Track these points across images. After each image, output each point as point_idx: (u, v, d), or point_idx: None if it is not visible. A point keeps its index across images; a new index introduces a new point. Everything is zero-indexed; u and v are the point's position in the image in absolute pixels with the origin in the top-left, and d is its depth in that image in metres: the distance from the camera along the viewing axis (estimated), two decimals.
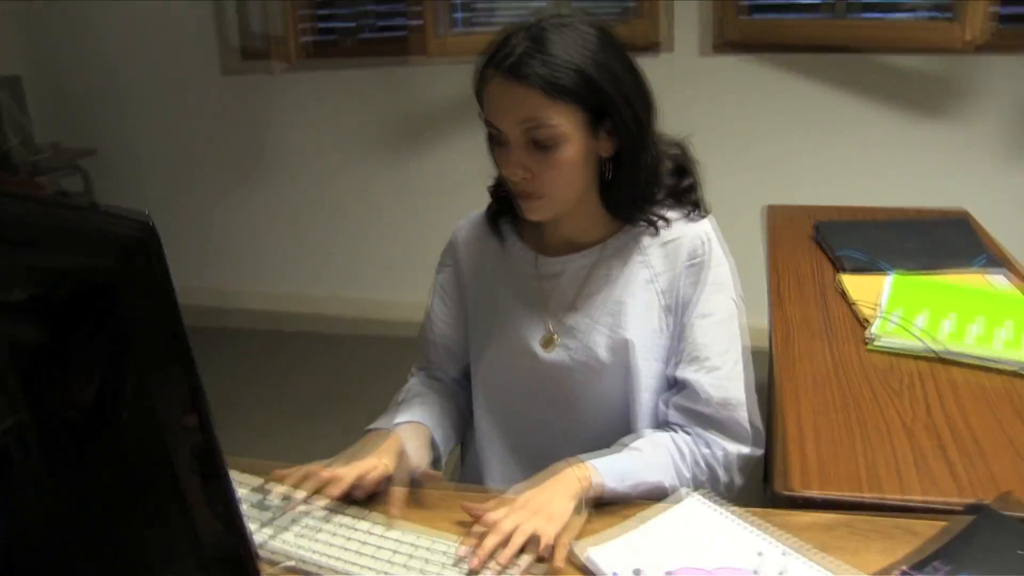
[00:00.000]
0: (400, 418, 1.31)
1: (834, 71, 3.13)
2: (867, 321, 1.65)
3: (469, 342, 1.43)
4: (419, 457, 1.25)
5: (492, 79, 1.19)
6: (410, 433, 1.28)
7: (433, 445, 1.31)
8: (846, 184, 3.13)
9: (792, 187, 3.11)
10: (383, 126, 3.82)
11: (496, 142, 1.23)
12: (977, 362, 1.49)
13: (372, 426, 1.33)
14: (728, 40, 3.26)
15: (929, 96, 3.06)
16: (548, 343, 1.33)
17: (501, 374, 1.38)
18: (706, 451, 1.26)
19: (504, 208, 1.38)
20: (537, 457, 1.27)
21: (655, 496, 1.19)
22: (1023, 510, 1.07)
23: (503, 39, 1.19)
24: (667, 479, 1.21)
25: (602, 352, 1.29)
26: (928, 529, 1.07)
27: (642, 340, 1.29)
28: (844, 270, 1.91)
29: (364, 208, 3.95)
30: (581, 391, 1.32)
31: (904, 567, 0.96)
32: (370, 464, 1.18)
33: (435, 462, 1.31)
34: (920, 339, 1.54)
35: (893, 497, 1.16)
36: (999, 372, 1.47)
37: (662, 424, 1.31)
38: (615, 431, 1.30)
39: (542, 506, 1.10)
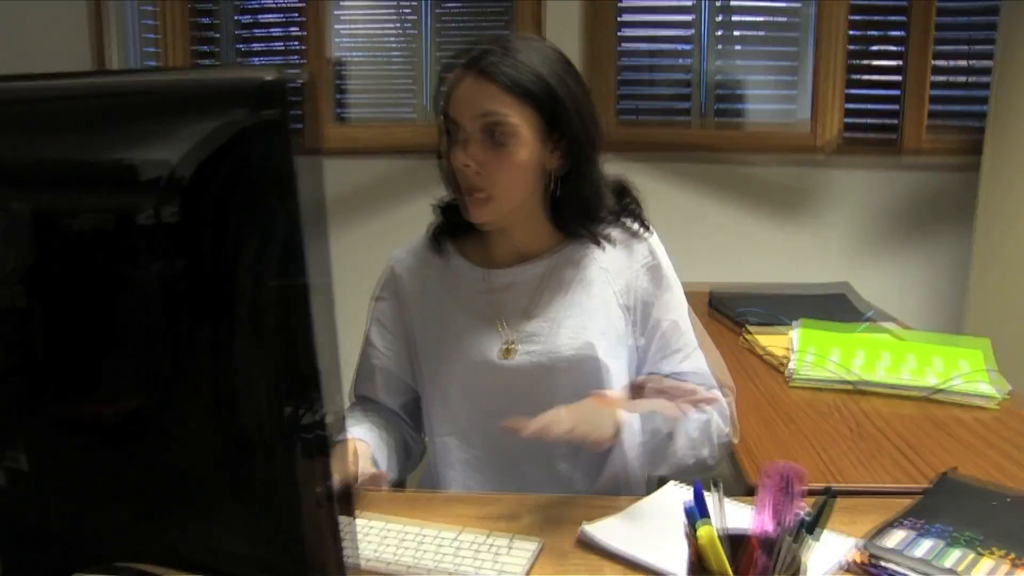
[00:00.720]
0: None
1: (694, 172, 3.32)
2: (783, 363, 1.78)
3: (421, 367, 1.41)
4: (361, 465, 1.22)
5: (459, 77, 1.25)
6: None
7: (375, 463, 1.27)
8: (708, 275, 3.32)
9: None
10: None
11: (453, 139, 1.26)
12: (889, 391, 1.67)
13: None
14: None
15: (784, 197, 3.33)
16: (507, 352, 1.33)
17: (461, 391, 1.36)
18: (704, 416, 1.31)
19: (447, 226, 1.41)
20: (506, 468, 1.29)
21: (664, 452, 1.26)
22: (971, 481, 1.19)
23: (473, 47, 1.27)
24: (678, 429, 1.27)
25: (567, 353, 1.31)
26: (899, 504, 1.16)
27: (605, 339, 1.33)
28: (749, 324, 2.05)
29: None
30: (547, 394, 1.32)
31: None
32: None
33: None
34: (837, 372, 1.69)
35: (859, 484, 1.29)
36: (906, 398, 1.66)
37: None
38: None
39: (590, 414, 1.16)
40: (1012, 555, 0.97)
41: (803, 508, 0.79)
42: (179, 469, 0.73)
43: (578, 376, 1.32)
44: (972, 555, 0.98)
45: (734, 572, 0.79)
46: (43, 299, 0.73)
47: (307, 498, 0.68)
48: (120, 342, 0.72)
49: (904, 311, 2.93)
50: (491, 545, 1.05)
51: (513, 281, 1.36)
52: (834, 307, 2.20)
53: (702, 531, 0.77)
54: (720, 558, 0.77)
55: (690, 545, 0.79)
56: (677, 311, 1.37)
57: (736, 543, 0.81)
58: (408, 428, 1.44)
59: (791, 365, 1.76)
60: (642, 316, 1.36)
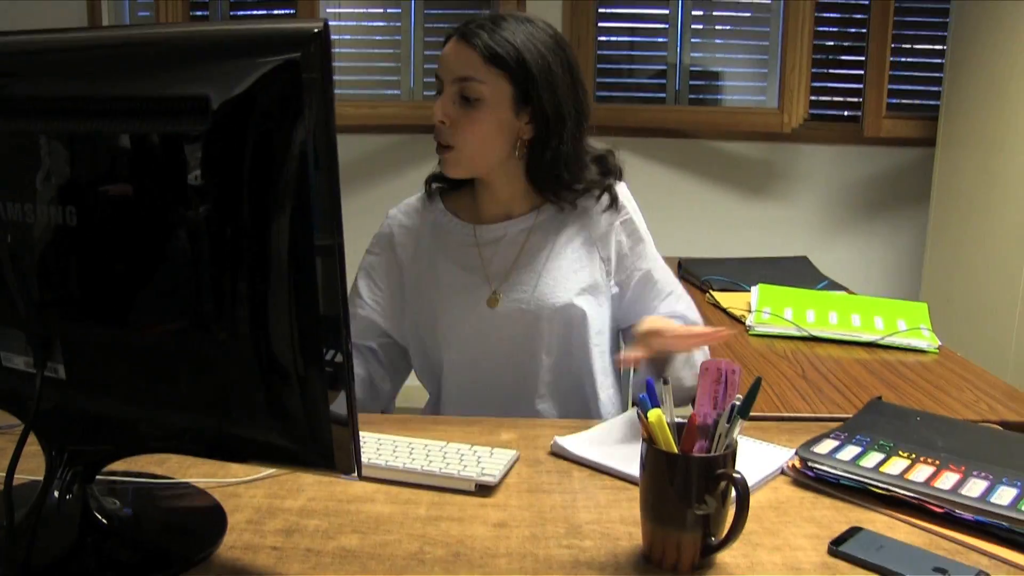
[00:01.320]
0: None
1: (669, 153, 3.50)
2: (743, 317, 1.94)
3: (414, 318, 1.52)
4: None
5: (449, 42, 1.40)
6: None
7: None
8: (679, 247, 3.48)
9: None
10: None
11: (437, 93, 1.42)
12: (839, 337, 1.84)
13: None
14: None
15: (753, 176, 3.51)
16: (493, 301, 1.46)
17: (452, 338, 1.48)
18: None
19: (438, 180, 1.54)
20: (492, 407, 1.44)
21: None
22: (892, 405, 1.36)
23: (467, 20, 1.41)
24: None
25: (550, 301, 1.45)
26: (834, 426, 1.32)
27: (585, 289, 1.47)
28: (713, 288, 2.21)
29: None
30: (530, 340, 1.47)
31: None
32: None
33: None
34: (792, 323, 1.85)
35: (802, 413, 1.46)
36: (854, 343, 1.84)
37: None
38: (572, 372, 1.49)
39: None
40: (914, 455, 1.14)
41: (737, 397, 0.94)
42: (217, 386, 0.84)
43: (561, 324, 1.46)
44: (885, 456, 1.14)
45: (679, 451, 0.94)
46: (92, 223, 0.81)
47: (333, 416, 0.80)
48: (162, 274, 0.82)
49: (865, 283, 3.12)
50: (474, 453, 1.19)
51: (499, 236, 1.49)
52: (790, 276, 2.36)
53: (651, 413, 0.92)
54: (666, 435, 0.93)
55: (643, 427, 0.94)
56: (653, 259, 1.53)
57: (681, 429, 0.96)
58: (376, 366, 1.54)
59: (750, 319, 1.92)
60: (617, 266, 1.50)
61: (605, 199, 1.51)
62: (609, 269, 1.50)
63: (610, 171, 1.52)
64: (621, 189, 1.53)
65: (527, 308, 1.46)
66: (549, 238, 1.49)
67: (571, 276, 1.47)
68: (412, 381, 1.63)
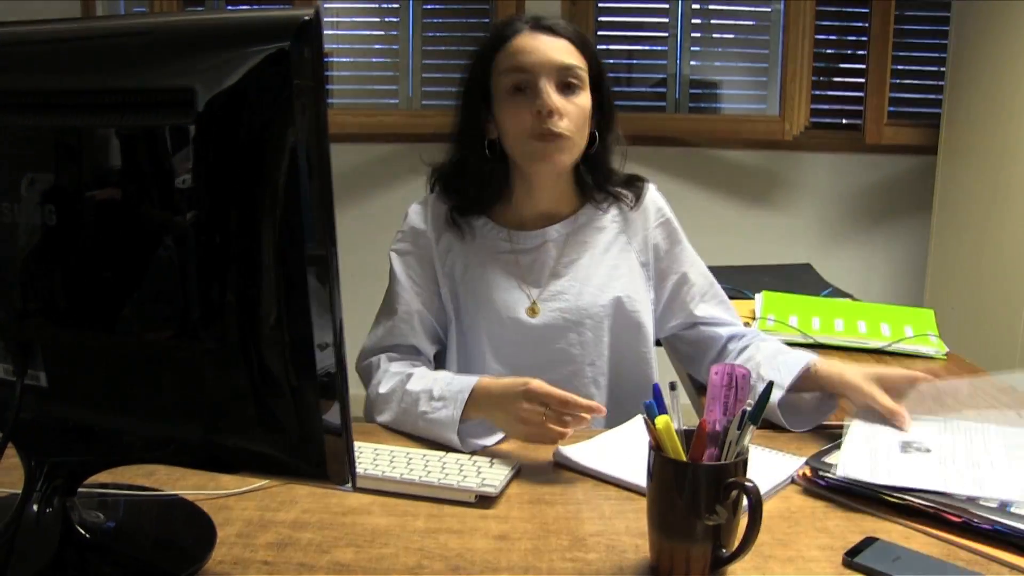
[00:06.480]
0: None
1: (670, 162, 3.47)
2: (747, 324, 1.90)
3: (450, 321, 1.44)
4: None
5: (519, 33, 1.36)
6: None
7: None
8: None
9: None
10: None
11: (519, 90, 1.34)
12: (845, 343, 1.79)
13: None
14: None
15: (755, 184, 3.48)
16: (532, 311, 1.41)
17: (490, 347, 1.41)
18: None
19: (469, 203, 1.44)
20: None
21: None
22: None
23: (509, 19, 1.40)
24: None
25: (594, 309, 1.41)
26: None
27: (631, 293, 1.44)
28: None
29: None
30: (579, 349, 1.42)
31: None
32: None
33: None
34: (798, 330, 1.81)
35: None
36: (860, 350, 1.79)
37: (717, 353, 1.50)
38: (629, 380, 1.44)
39: None
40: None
41: (748, 403, 0.90)
42: (205, 396, 0.81)
43: (608, 333, 1.42)
44: None
45: (688, 459, 0.90)
46: (73, 223, 0.78)
47: (327, 427, 0.77)
48: (147, 279, 0.78)
49: (868, 290, 3.09)
50: (474, 463, 1.15)
51: (538, 243, 1.44)
52: (794, 284, 2.32)
53: (659, 420, 0.88)
54: (674, 441, 0.89)
55: (650, 434, 0.90)
56: (691, 263, 1.49)
57: (690, 436, 0.92)
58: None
59: (754, 327, 1.88)
60: (656, 271, 1.47)
61: (640, 199, 1.49)
62: (649, 274, 1.47)
63: (635, 175, 1.50)
64: (653, 191, 1.51)
65: (569, 317, 1.41)
66: (588, 244, 1.45)
67: (614, 283, 1.43)
68: None
